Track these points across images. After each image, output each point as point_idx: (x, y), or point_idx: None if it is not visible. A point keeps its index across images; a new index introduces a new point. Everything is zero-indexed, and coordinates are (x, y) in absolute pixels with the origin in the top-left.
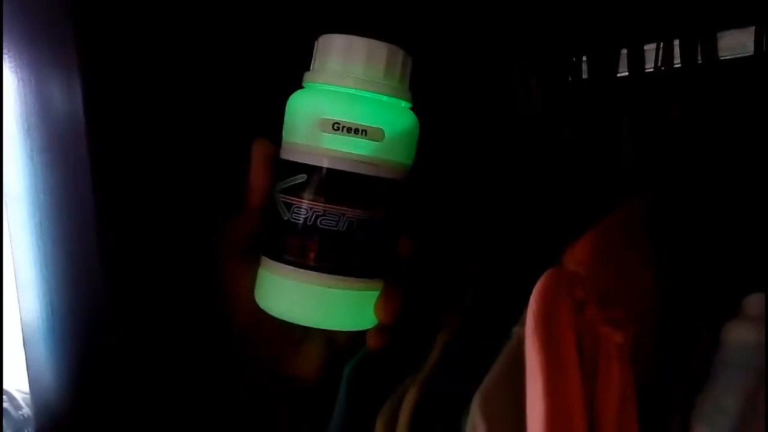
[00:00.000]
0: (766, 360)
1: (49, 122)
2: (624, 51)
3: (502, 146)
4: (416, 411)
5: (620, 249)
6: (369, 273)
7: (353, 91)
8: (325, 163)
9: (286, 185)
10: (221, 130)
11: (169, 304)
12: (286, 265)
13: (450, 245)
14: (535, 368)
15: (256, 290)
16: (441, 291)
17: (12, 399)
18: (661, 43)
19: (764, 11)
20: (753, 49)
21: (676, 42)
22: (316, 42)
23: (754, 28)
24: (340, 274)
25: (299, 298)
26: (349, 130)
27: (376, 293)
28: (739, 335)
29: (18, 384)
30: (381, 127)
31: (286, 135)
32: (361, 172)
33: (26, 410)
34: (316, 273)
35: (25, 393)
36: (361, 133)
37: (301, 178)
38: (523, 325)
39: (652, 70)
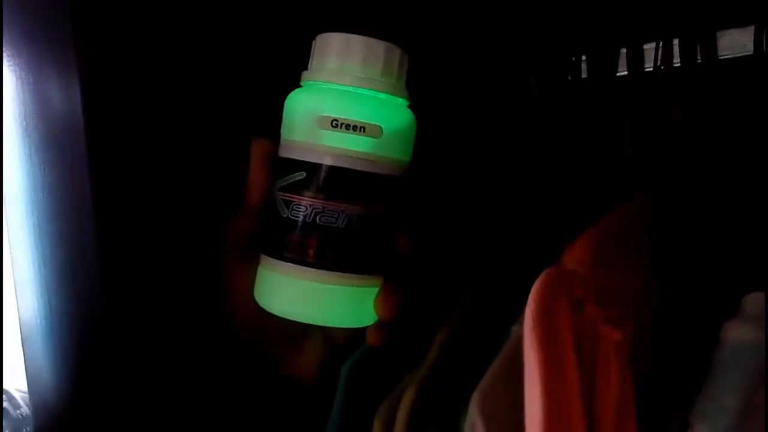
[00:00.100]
0: (766, 359)
1: (47, 121)
2: (623, 50)
3: (501, 145)
4: (414, 410)
5: (619, 248)
6: (368, 269)
7: (351, 89)
8: (324, 160)
9: (285, 183)
10: (220, 129)
11: (167, 303)
12: (285, 263)
13: (449, 244)
14: (534, 367)
15: (255, 289)
16: (440, 290)
17: (11, 398)
18: (661, 43)
19: (764, 11)
20: (753, 48)
21: (676, 41)
22: (313, 41)
23: (753, 27)
24: (339, 271)
25: (299, 295)
26: (347, 127)
27: (376, 290)
28: (739, 334)
29: (17, 383)
30: (379, 124)
31: (285, 133)
32: (360, 168)
33: (25, 409)
34: (315, 270)
35: (24, 392)
36: (360, 130)
37: (300, 175)
38: (521, 324)
39: (651, 69)
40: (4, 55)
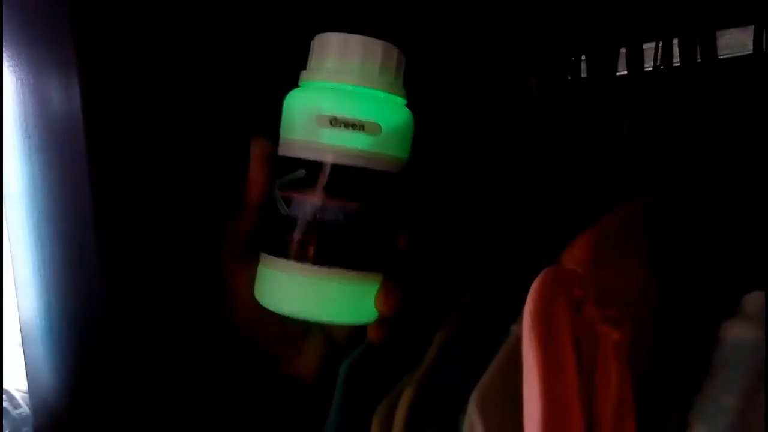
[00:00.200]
0: (766, 358)
1: (47, 122)
2: (623, 50)
3: (501, 145)
4: (412, 410)
5: (619, 248)
6: (369, 266)
7: (350, 88)
8: (324, 158)
9: (284, 181)
10: (219, 129)
11: (167, 303)
12: (286, 260)
13: (449, 243)
14: (532, 366)
15: (256, 287)
16: (440, 289)
17: (11, 398)
18: (660, 42)
19: (763, 10)
20: (752, 48)
21: (675, 41)
22: (312, 42)
23: (753, 26)
24: (340, 267)
25: (300, 292)
26: (346, 124)
27: (376, 286)
28: (738, 334)
29: (17, 383)
30: (377, 122)
31: (284, 132)
32: (359, 165)
33: (24, 409)
34: (316, 267)
35: (24, 392)
36: (359, 128)
37: (300, 173)
38: (520, 323)
39: (651, 69)
40: (4, 55)
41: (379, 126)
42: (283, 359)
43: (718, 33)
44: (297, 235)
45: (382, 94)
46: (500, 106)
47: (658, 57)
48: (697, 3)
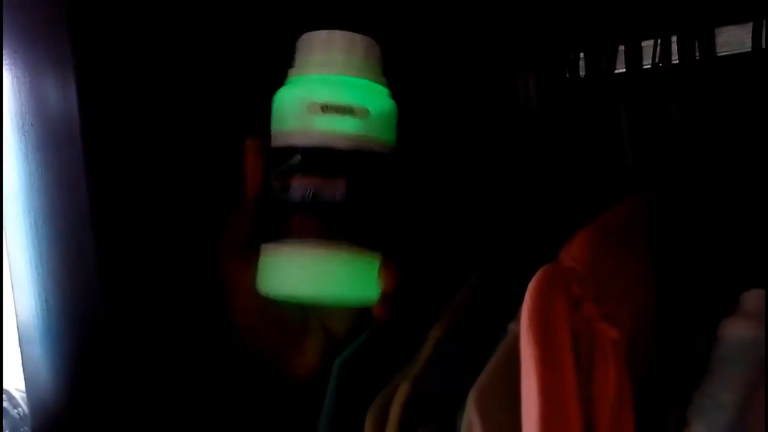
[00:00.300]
0: (766, 357)
1: (44, 121)
2: (621, 48)
3: (500, 143)
4: (407, 406)
5: (617, 246)
6: (368, 242)
7: (337, 77)
8: (318, 142)
9: (282, 169)
10: (214, 128)
11: (165, 302)
12: (290, 243)
13: (448, 243)
14: (530, 364)
15: (259, 280)
16: (437, 283)
17: (10, 397)
18: (659, 40)
19: (762, 7)
20: (751, 45)
21: (674, 38)
22: (297, 42)
23: (751, 24)
24: (341, 243)
25: (306, 271)
26: (337, 110)
27: (377, 265)
28: (737, 331)
29: (15, 382)
30: (365, 107)
31: (278, 125)
32: (351, 147)
33: (23, 408)
34: (320, 245)
35: (23, 391)
36: (348, 112)
37: (296, 159)
38: (518, 321)
39: (649, 66)
40: (2, 55)
41: (367, 110)
42: (284, 358)
43: (716, 30)
44: (299, 217)
45: (366, 82)
46: (499, 103)
47: (657, 54)
48: (696, 0)
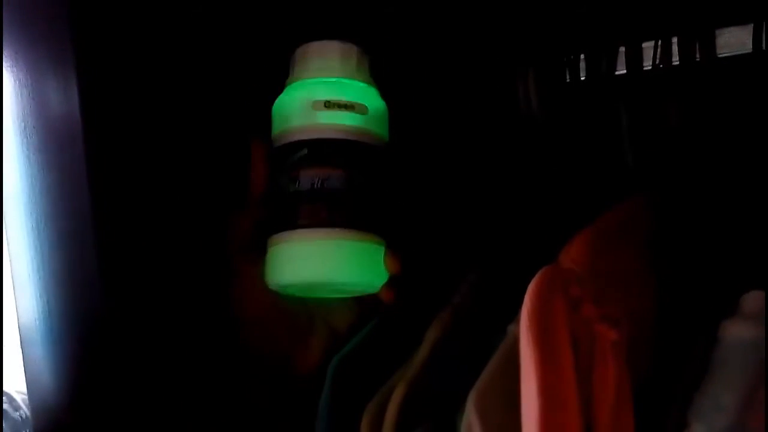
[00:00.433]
0: (766, 358)
1: (46, 122)
2: (622, 49)
3: (500, 144)
4: (404, 407)
5: (617, 247)
6: (374, 227)
7: (336, 79)
8: (323, 135)
9: (290, 162)
10: (216, 128)
11: (166, 304)
12: (301, 230)
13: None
14: (530, 366)
15: (268, 272)
16: (436, 281)
17: (11, 400)
18: (660, 41)
19: (762, 8)
20: (751, 46)
21: (675, 40)
22: (293, 54)
23: (752, 25)
24: (350, 228)
25: (317, 255)
26: (339, 106)
27: (383, 250)
28: (737, 333)
29: (16, 385)
30: (364, 104)
31: (282, 124)
32: (353, 139)
33: (24, 411)
34: (329, 229)
35: (24, 394)
36: (350, 108)
37: (303, 152)
38: (518, 323)
39: (650, 68)
40: (3, 57)
41: (366, 107)
42: (289, 354)
43: (717, 32)
44: (308, 205)
45: (362, 84)
46: (499, 104)
47: (657, 56)
48: (696, 1)
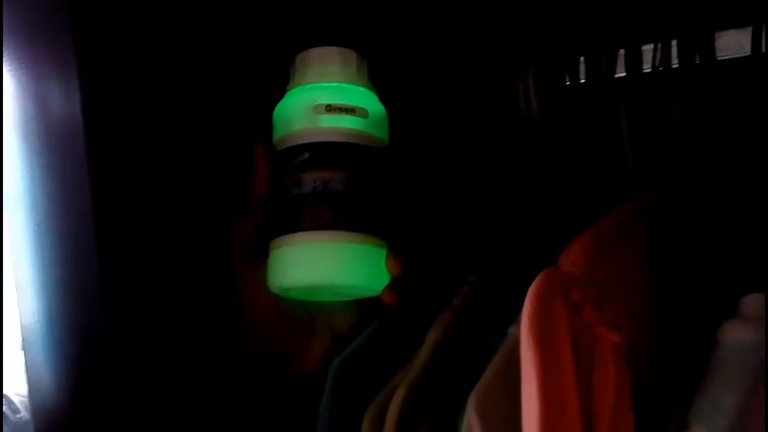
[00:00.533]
0: (766, 360)
1: (47, 124)
2: (621, 52)
3: (500, 146)
4: (405, 408)
5: (617, 249)
6: (375, 230)
7: (337, 84)
8: (325, 138)
9: (292, 166)
10: (217, 131)
11: (168, 306)
12: (304, 232)
13: (450, 242)
14: (530, 368)
15: (271, 275)
16: (437, 282)
17: (10, 403)
18: (659, 44)
19: (761, 11)
20: (750, 49)
21: (674, 42)
22: (294, 60)
23: (751, 28)
24: (352, 231)
25: (321, 256)
26: (340, 109)
27: (384, 252)
28: (737, 335)
29: (16, 388)
30: (365, 107)
31: (283, 128)
32: (354, 142)
33: (24, 414)
34: (332, 232)
35: (23, 397)
36: (351, 111)
37: (305, 155)
38: (518, 325)
39: (649, 70)
40: (4, 59)
41: (367, 110)
42: (291, 357)
43: (716, 34)
44: (310, 208)
45: (362, 89)
46: (499, 107)
47: (657, 58)
48: (696, 4)
